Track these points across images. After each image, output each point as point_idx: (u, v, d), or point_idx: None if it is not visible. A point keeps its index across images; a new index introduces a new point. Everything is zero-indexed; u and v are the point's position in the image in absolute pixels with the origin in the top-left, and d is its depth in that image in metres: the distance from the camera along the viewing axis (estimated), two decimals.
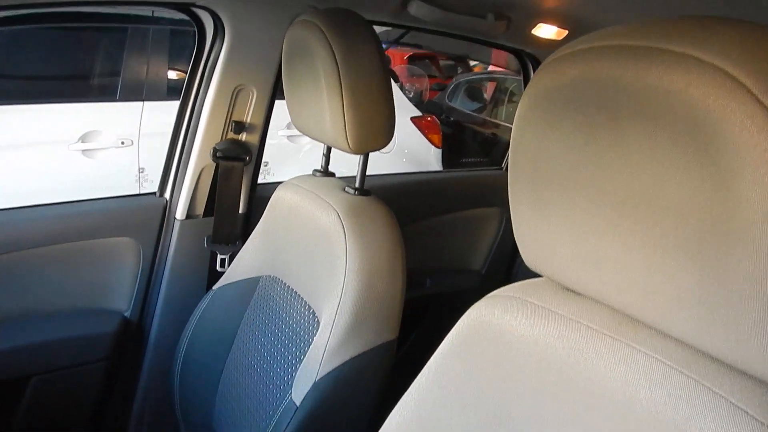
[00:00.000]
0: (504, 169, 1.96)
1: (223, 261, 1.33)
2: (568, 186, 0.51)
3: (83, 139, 2.64)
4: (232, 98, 1.28)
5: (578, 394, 0.51)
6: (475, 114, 6.05)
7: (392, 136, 1.02)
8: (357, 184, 1.04)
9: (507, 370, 0.57)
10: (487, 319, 0.61)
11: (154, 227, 1.31)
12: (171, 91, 2.79)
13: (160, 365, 1.32)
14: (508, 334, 0.58)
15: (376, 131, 0.99)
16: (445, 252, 1.79)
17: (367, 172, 1.05)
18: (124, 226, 1.28)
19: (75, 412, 1.29)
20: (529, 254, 0.58)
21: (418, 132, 3.83)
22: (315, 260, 0.99)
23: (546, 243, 0.54)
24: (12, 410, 1.23)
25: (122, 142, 2.71)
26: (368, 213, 0.97)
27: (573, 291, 0.58)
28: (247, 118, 1.32)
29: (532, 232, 0.56)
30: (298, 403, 0.87)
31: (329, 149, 1.19)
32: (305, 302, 1.01)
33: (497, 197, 1.82)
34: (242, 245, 1.20)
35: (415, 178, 1.87)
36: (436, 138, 3.94)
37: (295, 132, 3.29)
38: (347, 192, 1.04)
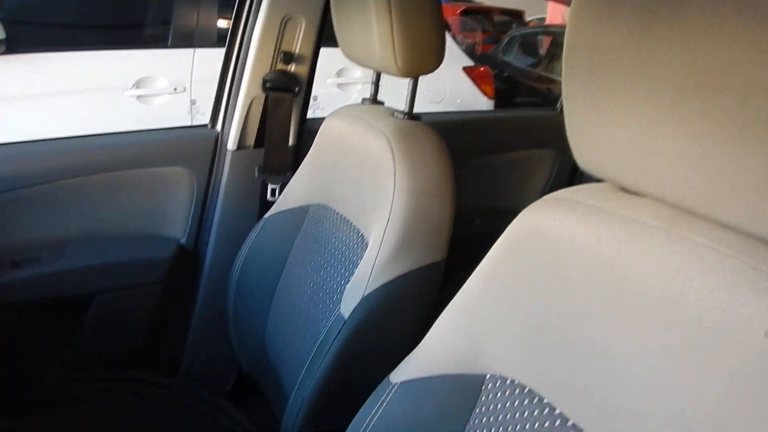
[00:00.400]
0: (559, 110, 1.91)
1: (273, 191, 1.35)
2: (625, 77, 0.49)
3: (137, 85, 2.71)
4: (280, 28, 1.28)
5: (630, 290, 0.50)
6: (529, 69, 5.90)
7: (442, 60, 1.00)
8: (406, 109, 1.03)
9: (556, 272, 0.57)
10: (537, 222, 0.60)
11: (206, 158, 1.34)
12: (221, 39, 2.82)
13: (214, 290, 1.37)
14: (558, 235, 0.57)
15: (425, 53, 0.97)
16: (495, 193, 1.77)
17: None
18: (178, 156, 1.32)
19: (135, 332, 1.36)
20: (583, 154, 0.56)
21: (470, 82, 3.76)
22: (364, 184, 1.00)
23: (601, 140, 0.53)
24: (78, 326, 1.30)
25: (175, 89, 2.77)
26: (417, 136, 0.96)
27: (627, 191, 0.57)
28: (296, 49, 1.32)
29: (587, 130, 0.54)
30: (346, 317, 0.88)
31: (378, 77, 1.18)
32: (354, 226, 1.02)
33: (550, 139, 1.78)
34: (292, 176, 1.21)
35: (467, 117, 1.84)
36: (489, 89, 3.86)
37: (345, 80, 3.29)
38: (396, 117, 1.03)
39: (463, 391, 0.64)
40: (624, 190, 0.57)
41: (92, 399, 1.14)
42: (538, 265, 0.58)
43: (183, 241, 1.37)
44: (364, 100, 1.20)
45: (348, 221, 1.04)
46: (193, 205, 1.35)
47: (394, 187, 0.89)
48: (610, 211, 0.54)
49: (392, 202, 0.89)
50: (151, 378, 1.23)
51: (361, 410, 0.71)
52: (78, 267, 1.24)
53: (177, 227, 1.37)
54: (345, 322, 0.88)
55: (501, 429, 0.59)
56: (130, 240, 1.33)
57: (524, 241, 0.60)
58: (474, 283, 0.66)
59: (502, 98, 4.35)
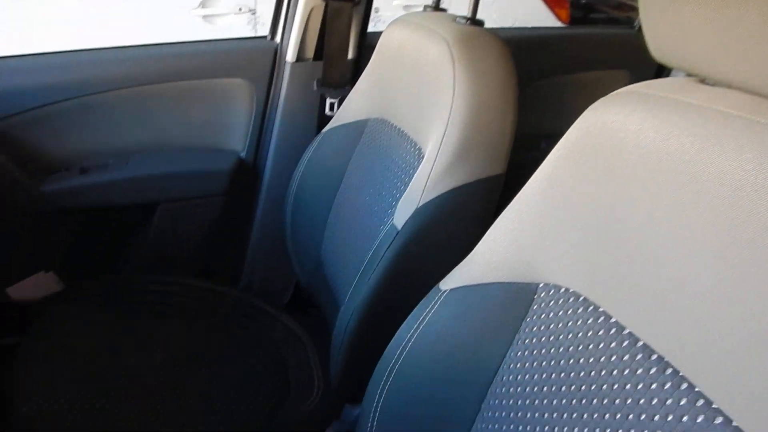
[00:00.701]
0: (636, 28, 1.77)
1: (332, 105, 1.33)
2: None
3: (203, 4, 2.70)
4: None
5: (702, 185, 0.46)
6: None
7: None
8: (469, 14, 0.98)
9: (621, 172, 0.52)
10: (602, 118, 0.55)
11: (266, 69, 1.32)
12: None
13: (272, 204, 1.39)
14: (625, 130, 0.52)
15: None
16: (563, 115, 1.68)
17: None
18: (238, 68, 1.31)
19: (197, 242, 1.40)
20: (658, 43, 0.51)
21: (543, 5, 3.56)
22: (422, 94, 0.96)
23: (679, 25, 0.48)
24: (143, 233, 1.36)
25: (240, 9, 2.75)
26: (479, 42, 0.91)
27: (704, 82, 0.51)
28: None
29: (664, 15, 0.49)
30: (399, 228, 0.87)
31: None
32: (411, 139, 0.99)
33: (625, 59, 1.67)
34: (351, 89, 1.18)
35: (536, 33, 1.74)
36: (564, 13, 3.64)
37: (411, 2, 3.18)
38: (458, 22, 0.98)
39: (514, 300, 0.62)
40: (702, 82, 0.52)
41: (155, 302, 1.19)
42: (601, 166, 0.54)
43: (243, 154, 1.38)
44: (425, 7, 1.14)
45: (405, 134, 1.02)
46: (252, 119, 1.35)
47: (453, 95, 0.85)
48: (684, 101, 0.49)
49: (450, 110, 0.85)
50: (212, 286, 1.27)
51: (409, 317, 0.71)
52: (142, 176, 1.28)
53: (237, 140, 1.38)
54: (398, 233, 0.87)
55: (552, 338, 0.57)
56: (192, 152, 1.35)
57: (587, 140, 0.56)
58: (531, 188, 0.62)
59: (577, 25, 4.12)
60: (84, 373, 0.98)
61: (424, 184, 0.86)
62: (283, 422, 1.00)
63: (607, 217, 0.53)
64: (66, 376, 0.96)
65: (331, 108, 1.33)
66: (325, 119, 1.27)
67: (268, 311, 1.25)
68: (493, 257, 0.64)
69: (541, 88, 1.60)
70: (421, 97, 0.97)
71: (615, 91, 0.56)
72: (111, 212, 1.31)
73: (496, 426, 0.61)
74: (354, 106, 1.16)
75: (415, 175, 0.89)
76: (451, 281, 0.68)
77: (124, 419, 0.92)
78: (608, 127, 0.54)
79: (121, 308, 1.15)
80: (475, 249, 0.68)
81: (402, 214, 0.88)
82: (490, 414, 0.63)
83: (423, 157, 0.92)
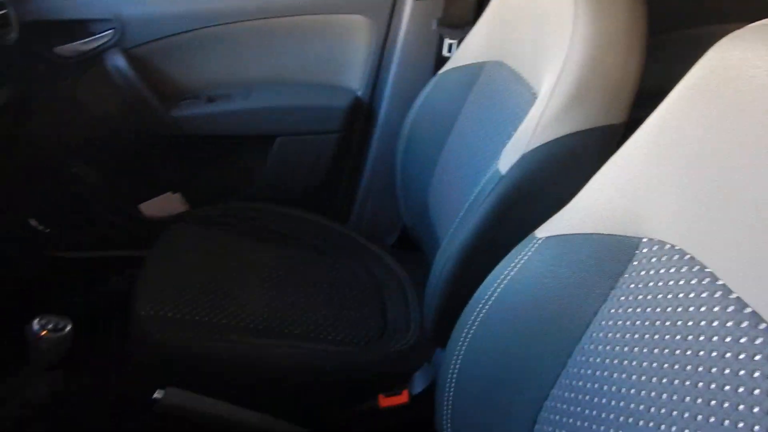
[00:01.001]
0: None
1: (450, 46, 1.30)
2: None
3: None
4: None
5: None
6: None
7: None
8: None
9: (745, 117, 0.46)
10: (727, 56, 0.49)
11: (386, 6, 1.31)
12: None
13: (386, 144, 1.39)
14: (754, 69, 0.46)
15: None
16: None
17: None
18: (359, 4, 1.30)
19: (310, 177, 1.45)
20: None
21: None
22: (542, 33, 0.90)
23: None
24: (262, 164, 1.42)
25: None
26: None
27: None
28: None
29: None
30: (503, 173, 0.84)
31: None
32: (527, 83, 0.94)
33: None
34: (470, 31, 1.14)
35: None
36: None
37: None
38: None
39: (613, 254, 0.58)
40: None
41: (267, 228, 1.25)
42: (724, 109, 0.48)
43: (359, 92, 1.39)
44: None
45: (521, 77, 0.97)
46: (370, 57, 1.35)
47: (573, 31, 0.79)
48: None
49: (568, 50, 0.79)
50: (322, 220, 1.31)
51: (500, 263, 0.69)
52: (263, 107, 1.33)
53: (354, 78, 1.39)
54: (501, 178, 0.83)
55: (650, 296, 0.53)
56: (311, 87, 1.38)
57: (709, 81, 0.50)
58: (641, 135, 0.57)
59: None
60: (196, 285, 1.06)
61: (533, 129, 0.82)
62: (376, 358, 1.03)
63: (726, 169, 0.48)
64: (180, 287, 1.05)
65: (449, 49, 1.30)
66: (442, 61, 1.24)
67: (373, 250, 1.27)
68: (594, 206, 0.60)
69: (678, 41, 1.45)
70: (540, 37, 0.91)
71: (747, 26, 0.49)
72: (233, 141, 1.38)
73: (581, 383, 0.59)
74: (472, 48, 1.12)
75: (526, 118, 0.85)
76: (547, 229, 0.65)
77: (227, 330, 0.99)
78: (735, 65, 0.47)
79: (237, 231, 1.22)
80: (577, 196, 0.64)
81: (507, 159, 0.84)
82: (575, 370, 0.60)
83: (536, 99, 0.87)
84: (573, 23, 0.79)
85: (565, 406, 0.60)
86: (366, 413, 1.04)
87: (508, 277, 0.66)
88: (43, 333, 1.03)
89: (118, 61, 1.28)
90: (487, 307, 0.69)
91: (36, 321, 1.04)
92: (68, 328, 1.05)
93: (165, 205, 1.45)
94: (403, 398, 1.03)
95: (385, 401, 1.03)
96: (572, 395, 0.59)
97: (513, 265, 0.66)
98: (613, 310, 0.57)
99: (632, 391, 0.52)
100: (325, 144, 1.40)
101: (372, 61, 1.36)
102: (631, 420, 0.51)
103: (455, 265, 0.89)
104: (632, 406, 0.51)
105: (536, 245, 0.65)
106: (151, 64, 1.28)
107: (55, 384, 1.17)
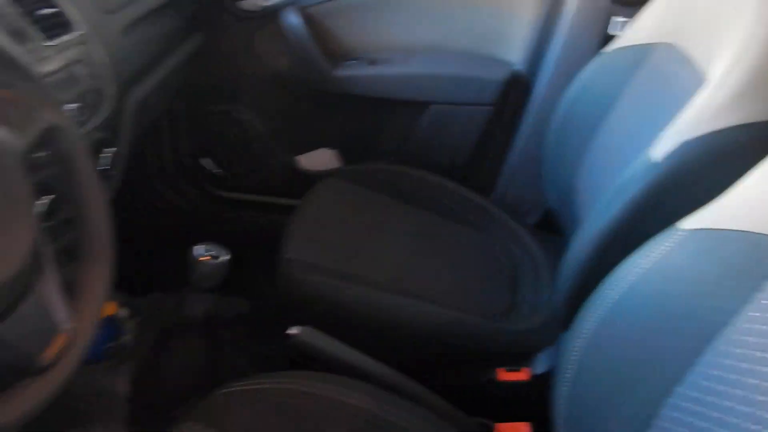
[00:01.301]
0: None
1: (618, 24, 1.23)
2: None
3: None
4: None
5: None
6: None
7: None
8: None
9: None
10: None
11: None
12: None
13: (539, 121, 1.36)
14: None
15: None
16: None
17: None
18: None
19: (459, 147, 1.47)
20: None
21: None
22: (719, 15, 0.83)
23: None
24: (413, 129, 1.47)
25: None
26: None
27: None
28: None
29: None
30: (657, 160, 0.79)
31: None
32: (697, 66, 0.88)
33: None
34: (643, 9, 1.08)
35: None
36: None
37: None
38: None
39: (763, 254, 0.54)
40: None
41: (412, 192, 1.29)
42: None
43: (518, 66, 1.37)
44: None
45: (691, 60, 0.90)
46: (534, 30, 1.32)
47: (756, 12, 0.72)
48: None
49: (748, 31, 0.72)
50: (465, 192, 1.33)
51: (637, 252, 0.66)
52: (421, 74, 1.36)
53: (514, 51, 1.37)
54: (654, 165, 0.79)
55: None
56: (470, 57, 1.38)
57: None
58: None
59: None
60: (339, 236, 1.14)
61: (697, 117, 0.76)
62: (500, 333, 1.04)
63: None
64: (324, 236, 1.13)
65: (618, 27, 1.23)
66: (607, 39, 1.18)
67: (513, 227, 1.27)
68: (750, 203, 0.56)
69: None
70: (717, 17, 0.84)
71: None
72: (389, 104, 1.43)
73: (709, 384, 0.56)
74: (643, 28, 1.05)
75: (690, 105, 0.79)
76: (693, 221, 0.62)
77: (360, 281, 1.05)
78: None
79: (382, 191, 1.28)
80: (731, 190, 0.60)
81: (664, 146, 0.80)
82: (705, 369, 0.57)
83: (705, 85, 0.81)
84: (759, 3, 0.73)
85: (689, 405, 0.58)
86: (480, 384, 1.06)
87: (645, 268, 0.64)
88: (204, 258, 1.16)
89: (294, 18, 1.37)
90: (618, 294, 0.67)
91: (198, 247, 1.18)
92: (226, 257, 1.18)
93: (320, 159, 1.55)
94: (522, 375, 1.03)
95: (504, 375, 1.04)
96: (698, 395, 0.57)
97: (651, 255, 0.64)
98: (755, 313, 0.53)
99: (765, 399, 0.49)
100: (477, 115, 1.40)
101: (534, 36, 1.33)
102: (757, 428, 0.48)
103: (591, 250, 0.86)
104: (763, 415, 0.49)
105: (680, 237, 0.62)
106: (323, 24, 1.36)
107: (209, 305, 1.33)
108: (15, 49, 0.69)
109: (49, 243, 0.55)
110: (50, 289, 0.54)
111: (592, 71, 1.14)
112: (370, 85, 1.38)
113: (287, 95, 1.49)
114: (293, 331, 0.94)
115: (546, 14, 1.30)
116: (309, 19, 1.38)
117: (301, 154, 1.56)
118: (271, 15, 1.40)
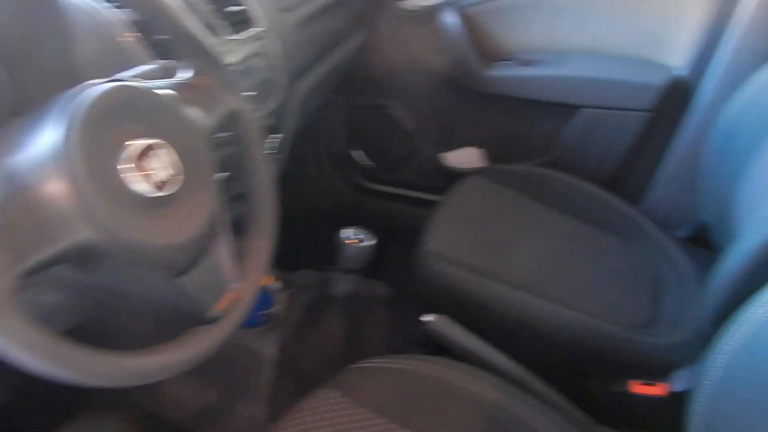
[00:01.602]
0: None
1: None
2: None
3: None
4: None
5: None
6: None
7: None
8: None
9: None
10: None
11: None
12: None
13: (701, 131, 1.28)
14: None
15: None
16: None
17: None
18: None
19: (610, 152, 1.43)
20: None
21: None
22: None
23: None
24: (563, 133, 1.45)
25: None
26: None
27: None
28: None
29: None
30: None
31: None
32: None
33: None
34: None
35: None
36: None
37: None
38: None
39: None
40: None
41: (554, 195, 1.29)
42: None
43: (679, 71, 1.30)
44: None
45: None
46: (700, 33, 1.25)
47: None
48: None
49: None
50: (613, 200, 1.29)
51: None
52: (573, 77, 1.34)
53: (676, 55, 1.30)
54: None
55: None
56: (626, 60, 1.34)
57: None
58: None
59: None
60: (478, 234, 1.18)
61: None
62: (637, 345, 1.01)
63: None
64: (464, 233, 1.17)
65: None
66: None
67: (661, 240, 1.22)
68: None
69: None
70: None
71: None
72: (539, 106, 1.43)
73: None
74: None
75: None
76: None
77: (496, 278, 1.07)
78: None
79: (526, 192, 1.29)
80: None
81: None
82: None
83: None
84: None
85: None
86: (609, 394, 1.04)
87: None
88: (351, 241, 1.25)
89: (452, 18, 1.41)
90: (760, 323, 0.63)
91: (346, 230, 1.27)
92: (371, 242, 1.26)
93: (466, 157, 1.58)
94: (658, 390, 1.00)
95: (639, 388, 1.01)
96: None
97: None
98: None
99: None
100: (631, 122, 1.36)
101: (701, 39, 1.25)
102: None
103: (745, 266, 0.82)
104: None
105: None
106: (479, 24, 1.39)
107: (352, 285, 1.42)
108: (210, 41, 0.79)
109: (224, 213, 0.63)
110: (223, 253, 0.63)
111: (764, 80, 1.06)
112: (522, 86, 1.39)
113: (439, 93, 1.53)
114: (428, 318, 0.98)
115: (716, 15, 1.23)
116: (466, 19, 1.41)
117: (448, 151, 1.60)
118: (430, 14, 1.45)
